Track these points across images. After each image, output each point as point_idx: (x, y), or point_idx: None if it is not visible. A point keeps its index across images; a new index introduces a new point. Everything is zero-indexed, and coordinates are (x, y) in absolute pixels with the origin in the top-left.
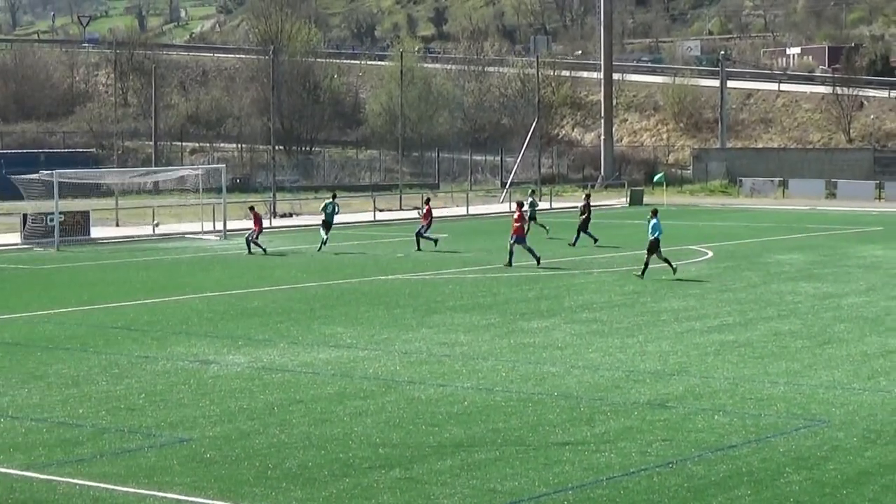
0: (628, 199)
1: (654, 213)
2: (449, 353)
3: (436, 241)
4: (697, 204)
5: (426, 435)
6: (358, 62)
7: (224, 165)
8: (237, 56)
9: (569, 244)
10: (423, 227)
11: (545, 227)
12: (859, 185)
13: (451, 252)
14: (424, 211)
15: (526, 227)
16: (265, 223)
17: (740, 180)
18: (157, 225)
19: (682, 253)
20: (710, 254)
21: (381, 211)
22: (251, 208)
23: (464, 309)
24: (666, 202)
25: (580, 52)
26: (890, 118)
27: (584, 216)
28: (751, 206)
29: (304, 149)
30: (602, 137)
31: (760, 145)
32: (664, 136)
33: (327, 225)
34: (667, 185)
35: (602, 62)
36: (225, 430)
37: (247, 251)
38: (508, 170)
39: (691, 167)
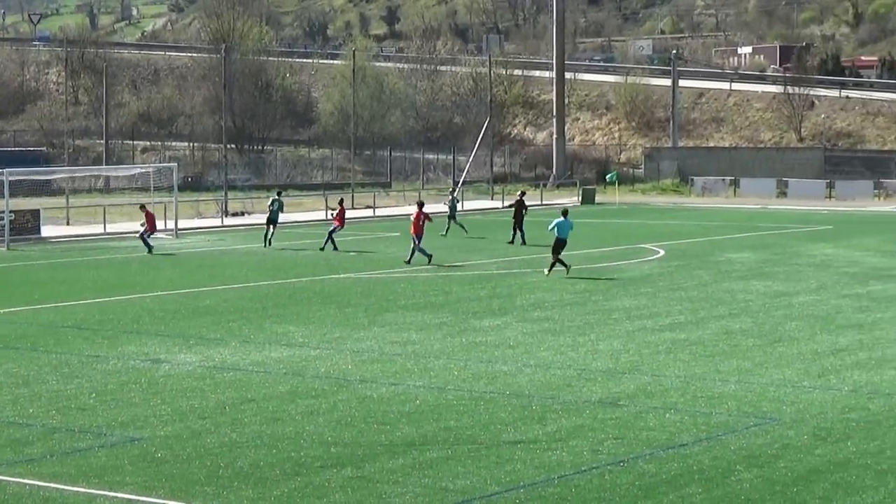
0: (580, 198)
1: (564, 213)
2: (401, 352)
3: (334, 246)
4: (649, 203)
5: (378, 434)
6: (310, 61)
7: (176, 164)
8: (189, 54)
9: (507, 242)
10: (335, 227)
11: (464, 227)
12: (810, 184)
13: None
14: (337, 212)
15: (422, 225)
16: (215, 221)
17: (692, 179)
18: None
19: (634, 252)
20: (662, 252)
21: (332, 210)
22: (142, 206)
23: (416, 308)
24: (618, 201)
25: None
26: (840, 117)
27: (516, 214)
28: (702, 205)
29: (256, 147)
30: (554, 136)
31: (712, 144)
32: (616, 135)
33: (272, 222)
34: (619, 184)
35: (554, 61)
36: (176, 430)
37: (147, 251)
38: (461, 168)
39: (643, 166)
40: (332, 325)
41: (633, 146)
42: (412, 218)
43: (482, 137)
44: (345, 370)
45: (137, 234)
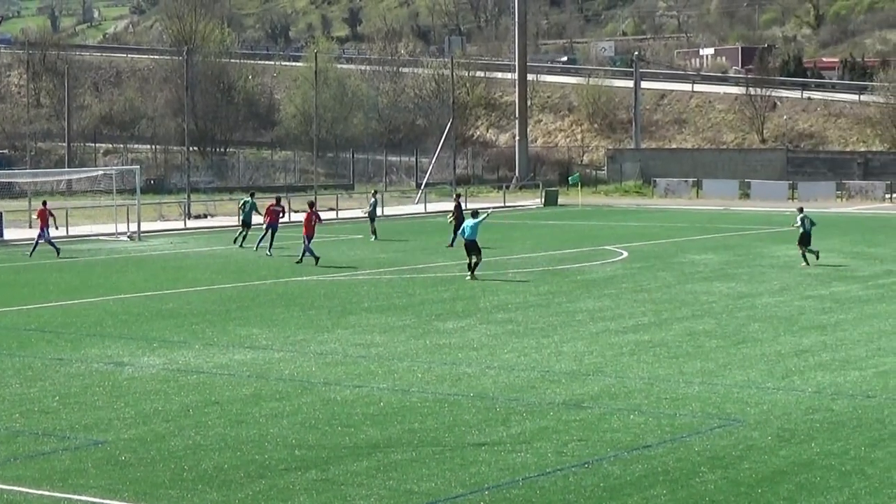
0: (543, 200)
1: (474, 214)
2: (364, 355)
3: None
4: (612, 204)
5: (342, 436)
6: (272, 63)
7: (138, 167)
8: (151, 57)
9: (447, 246)
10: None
11: (375, 234)
12: (772, 185)
13: (369, 253)
14: (305, 219)
15: (313, 225)
16: (178, 224)
17: (654, 181)
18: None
19: (597, 253)
20: (625, 254)
21: (295, 212)
22: (43, 203)
23: (379, 310)
24: (581, 202)
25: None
26: (802, 119)
27: (455, 217)
28: (665, 207)
29: (218, 150)
30: (517, 138)
31: (674, 146)
32: (578, 136)
33: (246, 224)
34: (581, 186)
35: (516, 63)
36: (140, 433)
37: (30, 252)
38: (424, 170)
39: (606, 168)
40: (295, 327)
41: (596, 148)
42: (303, 219)
43: (445, 139)
44: (309, 372)
45: (41, 240)
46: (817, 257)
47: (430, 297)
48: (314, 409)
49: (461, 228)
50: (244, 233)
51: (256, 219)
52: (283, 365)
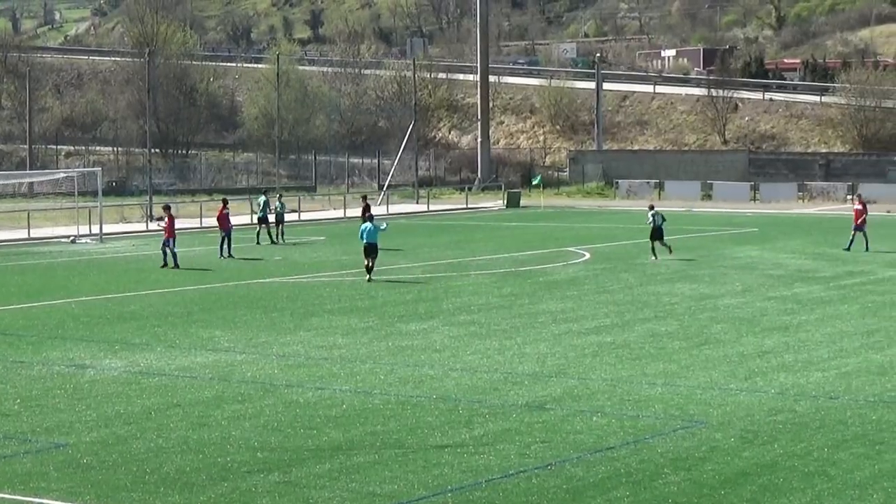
0: (505, 202)
1: (370, 218)
2: (327, 356)
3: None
4: (574, 206)
5: (304, 438)
6: (234, 65)
7: (100, 169)
8: (112, 59)
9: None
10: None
11: (258, 238)
12: (734, 186)
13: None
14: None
15: (171, 232)
16: (141, 226)
17: (616, 182)
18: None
19: (560, 255)
20: (588, 255)
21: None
22: None
23: (342, 312)
24: (543, 204)
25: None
26: (764, 120)
27: (364, 219)
28: (627, 208)
29: (180, 152)
30: (479, 140)
31: (636, 147)
32: (541, 138)
33: (262, 221)
34: (544, 187)
35: (478, 64)
36: (102, 435)
37: None
38: (386, 172)
39: (568, 169)
40: (258, 329)
41: (558, 149)
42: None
43: (407, 141)
44: (271, 375)
45: None
46: (670, 251)
47: (393, 299)
48: (276, 412)
49: (360, 230)
50: (261, 230)
51: (212, 222)
52: (246, 367)
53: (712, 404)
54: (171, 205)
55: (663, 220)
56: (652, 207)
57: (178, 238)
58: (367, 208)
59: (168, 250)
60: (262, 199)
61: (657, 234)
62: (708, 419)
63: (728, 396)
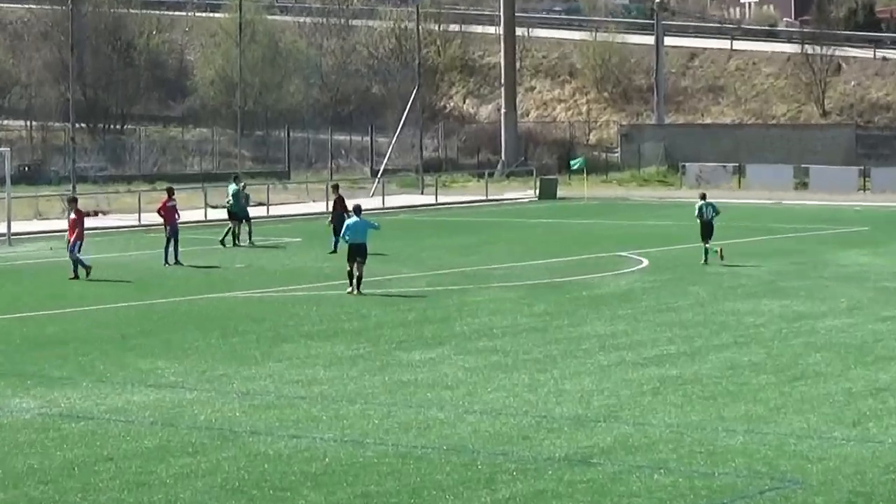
0: (537, 192)
1: (357, 211)
2: (304, 395)
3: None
4: (628, 197)
5: (275, 502)
6: (184, 14)
7: (8, 149)
8: (26, 6)
9: (329, 252)
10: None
11: (223, 240)
12: (838, 171)
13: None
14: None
15: (78, 233)
16: (62, 223)
17: (683, 166)
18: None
19: (609, 262)
20: (645, 262)
21: (214, 208)
22: None
23: (323, 336)
24: (587, 195)
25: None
26: (876, 85)
27: (334, 214)
28: (697, 200)
29: (113, 127)
30: (502, 111)
31: (708, 121)
32: (583, 108)
33: (235, 217)
34: (587, 174)
35: (501, 13)
36: (9, 498)
37: None
38: (381, 154)
39: (619, 150)
40: (213, 359)
41: (606, 123)
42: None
43: (408, 113)
44: (231, 419)
45: None
46: (721, 256)
47: (391, 319)
48: (238, 467)
49: (344, 228)
50: (232, 228)
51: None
52: (198, 408)
53: (811, 458)
54: (77, 197)
55: (715, 212)
56: (704, 197)
57: (109, 239)
58: (340, 199)
59: (74, 257)
60: (231, 187)
61: (707, 230)
62: (805, 478)
63: (831, 448)
